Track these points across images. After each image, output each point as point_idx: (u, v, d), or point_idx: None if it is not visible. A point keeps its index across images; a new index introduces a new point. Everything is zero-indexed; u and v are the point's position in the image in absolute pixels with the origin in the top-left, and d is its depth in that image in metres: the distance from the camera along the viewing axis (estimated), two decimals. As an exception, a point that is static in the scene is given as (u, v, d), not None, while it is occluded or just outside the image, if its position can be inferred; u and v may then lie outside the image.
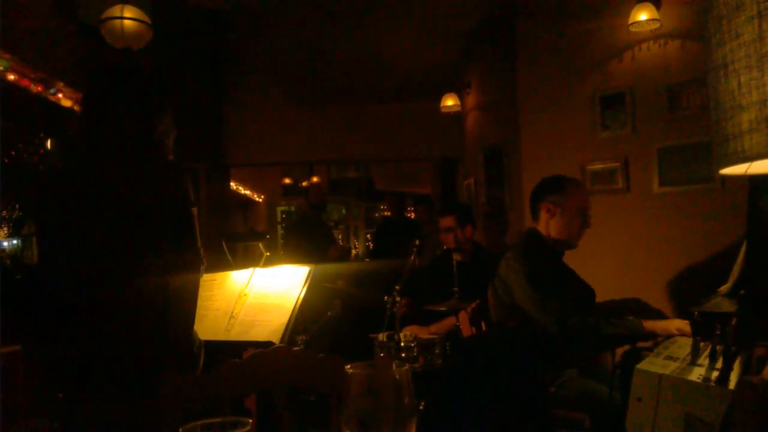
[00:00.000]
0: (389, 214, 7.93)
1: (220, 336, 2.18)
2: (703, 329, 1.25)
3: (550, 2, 3.99)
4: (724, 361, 1.07)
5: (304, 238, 4.91)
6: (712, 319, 1.25)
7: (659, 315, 2.54)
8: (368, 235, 15.35)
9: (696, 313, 1.26)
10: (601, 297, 2.62)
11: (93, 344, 1.58)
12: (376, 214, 15.20)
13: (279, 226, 13.05)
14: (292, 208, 12.78)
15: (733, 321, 1.12)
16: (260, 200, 11.77)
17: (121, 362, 1.56)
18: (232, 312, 2.27)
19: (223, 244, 2.39)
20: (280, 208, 13.14)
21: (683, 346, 1.30)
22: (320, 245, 4.85)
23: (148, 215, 1.62)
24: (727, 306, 1.47)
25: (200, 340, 1.83)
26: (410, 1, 4.57)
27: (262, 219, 11.56)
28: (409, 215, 7.16)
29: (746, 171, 1.11)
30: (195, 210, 1.70)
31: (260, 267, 2.37)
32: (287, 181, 11.58)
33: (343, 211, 14.87)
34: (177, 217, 1.65)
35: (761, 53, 0.96)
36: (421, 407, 2.89)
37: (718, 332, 1.14)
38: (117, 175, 1.63)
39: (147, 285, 1.60)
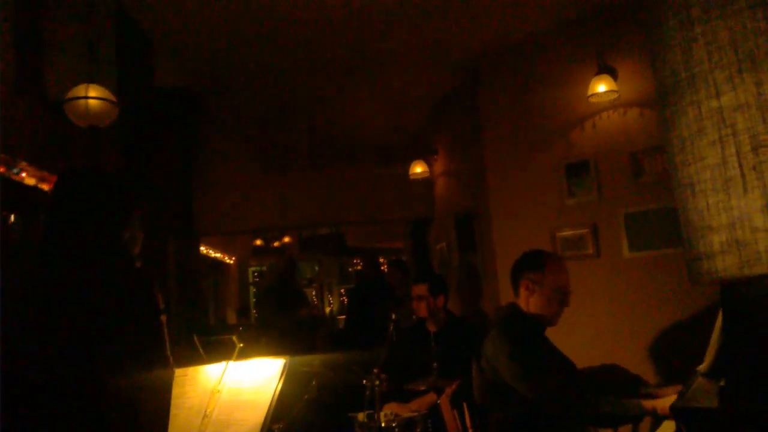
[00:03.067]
0: (361, 268, 7.85)
1: (193, 437, 2.09)
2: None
3: (511, 74, 4.12)
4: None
5: (275, 308, 4.84)
6: (698, 422, 1.24)
7: (638, 381, 2.54)
8: (342, 290, 15.23)
9: (681, 425, 1.24)
10: (576, 363, 2.60)
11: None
12: (350, 269, 15.11)
13: (251, 287, 12.87)
14: (264, 268, 12.65)
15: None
16: (231, 262, 11.63)
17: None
18: (205, 410, 2.17)
19: (195, 339, 2.32)
20: (251, 269, 13.00)
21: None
22: (292, 312, 4.79)
23: (115, 324, 1.56)
24: (709, 394, 1.46)
25: (173, 452, 1.75)
26: (377, 69, 4.67)
27: (233, 283, 11.37)
28: (383, 269, 7.10)
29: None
30: (164, 318, 1.65)
31: (233, 360, 2.29)
32: (258, 242, 11.48)
33: (316, 268, 14.74)
34: (145, 327, 1.59)
35: (726, 177, 0.99)
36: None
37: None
38: (82, 285, 1.58)
39: (117, 396, 1.53)
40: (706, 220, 1.02)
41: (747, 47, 0.95)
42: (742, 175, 0.96)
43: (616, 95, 3.50)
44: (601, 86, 3.48)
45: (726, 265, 0.98)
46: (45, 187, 4.03)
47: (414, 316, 3.80)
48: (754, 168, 0.94)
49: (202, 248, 7.82)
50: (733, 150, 0.97)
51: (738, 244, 0.96)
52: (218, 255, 10.58)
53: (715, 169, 0.99)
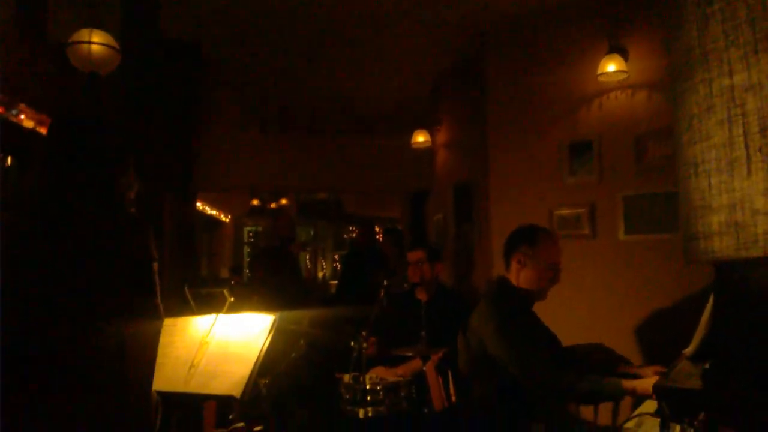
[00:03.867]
0: (357, 236, 7.85)
1: (179, 387, 2.10)
2: (671, 413, 1.25)
3: (520, 50, 4.06)
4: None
5: (269, 272, 4.84)
6: (679, 403, 1.25)
7: (623, 361, 2.57)
8: (336, 256, 15.29)
9: (663, 403, 1.26)
10: (566, 342, 2.63)
11: (44, 404, 1.50)
12: (345, 236, 15.15)
13: (245, 246, 12.90)
14: (260, 228, 12.67)
15: (701, 416, 1.11)
16: (227, 220, 11.63)
17: (76, 424, 1.49)
18: (193, 361, 2.19)
19: (186, 290, 2.32)
20: (247, 228, 13.02)
21: (650, 431, 1.30)
22: (286, 281, 4.79)
23: (107, 271, 1.56)
24: (693, 376, 1.47)
25: (157, 398, 1.76)
26: (382, 38, 4.60)
27: (228, 242, 11.40)
28: (378, 237, 7.11)
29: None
30: (156, 265, 1.64)
31: (224, 313, 2.30)
32: (255, 202, 11.47)
33: (311, 232, 14.78)
34: (137, 273, 1.59)
35: (731, 158, 0.98)
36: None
37: (685, 423, 1.14)
38: (76, 230, 1.57)
39: (104, 342, 1.53)
40: (707, 200, 1.01)
41: (765, 26, 0.93)
42: (748, 157, 0.95)
43: (625, 76, 3.46)
44: (611, 66, 3.43)
45: (723, 246, 0.98)
46: (43, 131, 4.00)
47: (405, 285, 3.82)
48: (760, 149, 0.93)
49: (199, 204, 7.82)
50: (740, 130, 0.96)
51: (737, 226, 0.96)
52: (214, 212, 10.58)
53: (721, 149, 0.98)
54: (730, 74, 0.98)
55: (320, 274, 14.70)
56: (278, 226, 5.28)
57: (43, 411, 1.45)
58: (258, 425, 2.26)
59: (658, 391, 1.40)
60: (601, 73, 3.45)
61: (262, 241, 11.98)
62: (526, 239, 2.50)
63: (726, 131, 0.98)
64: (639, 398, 2.15)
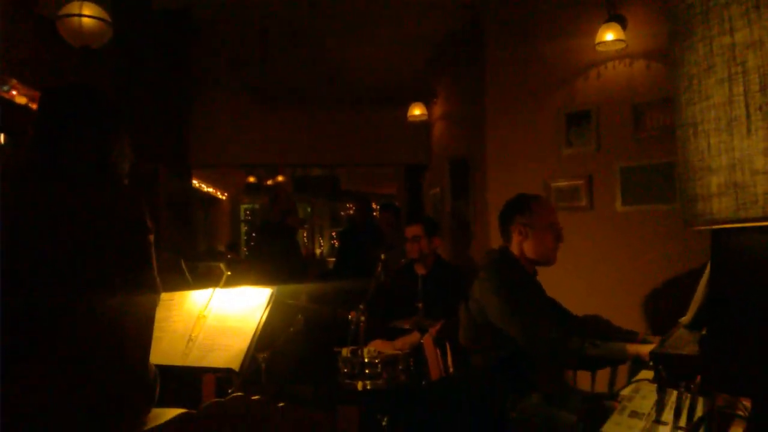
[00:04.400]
0: (353, 212, 7.81)
1: (177, 360, 2.11)
2: (668, 378, 1.25)
3: (517, 20, 4.01)
4: (688, 422, 1.07)
5: (269, 245, 4.84)
6: (676, 367, 1.25)
7: (620, 333, 2.57)
8: (333, 233, 15.30)
9: (660, 367, 1.25)
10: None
11: (42, 377, 1.50)
12: (342, 213, 15.16)
13: (242, 224, 12.89)
14: (256, 206, 12.64)
15: (698, 379, 1.11)
16: (223, 198, 11.61)
17: (73, 394, 1.49)
18: (190, 335, 2.20)
19: (182, 264, 2.32)
20: (243, 206, 13.00)
21: (648, 396, 1.30)
22: (287, 254, 4.79)
23: (102, 243, 1.55)
24: (689, 343, 1.47)
25: (156, 371, 1.77)
26: (377, 9, 4.53)
27: (224, 219, 11.39)
28: (374, 214, 7.12)
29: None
30: (151, 237, 1.63)
31: (221, 287, 2.30)
32: (251, 179, 11.44)
33: (308, 209, 14.77)
34: (133, 244, 1.58)
35: (731, 117, 0.96)
36: (384, 423, 2.89)
37: (682, 387, 1.14)
38: (69, 201, 1.55)
39: (101, 314, 1.53)
40: (706, 161, 0.99)
41: (768, -20, 0.91)
42: (748, 116, 0.93)
43: (623, 45, 3.42)
44: (609, 35, 3.39)
45: (722, 207, 0.96)
46: (36, 107, 3.96)
47: (402, 259, 3.82)
48: (760, 108, 0.91)
49: (195, 181, 7.79)
50: (741, 89, 0.94)
51: (736, 186, 0.94)
52: (210, 190, 10.55)
53: (720, 108, 0.96)
54: (731, 32, 0.96)
55: (318, 252, 14.73)
56: (278, 200, 5.25)
57: (41, 383, 1.45)
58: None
59: (655, 358, 1.40)
60: (599, 42, 3.41)
61: (260, 218, 11.95)
62: (519, 209, 2.50)
63: (726, 90, 0.96)
64: (640, 364, 2.16)
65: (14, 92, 4.32)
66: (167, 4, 4.52)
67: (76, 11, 3.53)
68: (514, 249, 2.50)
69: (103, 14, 3.59)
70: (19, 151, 3.96)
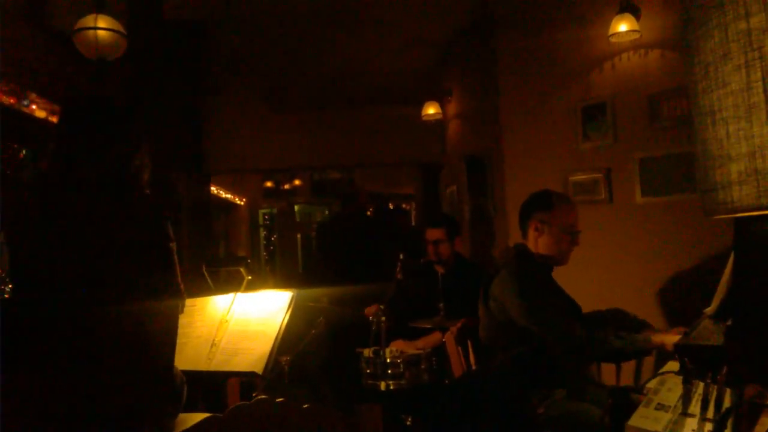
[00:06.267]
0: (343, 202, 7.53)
1: (202, 365, 2.14)
2: (694, 370, 1.24)
3: (529, 13, 3.99)
4: (716, 413, 1.06)
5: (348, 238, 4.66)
6: (702, 359, 1.24)
7: (643, 325, 2.55)
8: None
9: (686, 359, 1.24)
10: (585, 308, 2.62)
11: (69, 385, 1.52)
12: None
13: (261, 229, 12.94)
14: (274, 211, 12.69)
15: (725, 370, 1.10)
16: (242, 203, 11.69)
17: (100, 401, 1.51)
18: (214, 339, 2.22)
19: (204, 270, 2.34)
20: (262, 211, 13.05)
21: (674, 389, 1.29)
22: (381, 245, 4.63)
23: (126, 251, 1.57)
24: (715, 334, 1.46)
25: (182, 376, 1.79)
26: (387, 7, 4.53)
27: (243, 225, 11.47)
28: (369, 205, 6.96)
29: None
30: (174, 245, 1.65)
31: (242, 292, 2.32)
32: (269, 184, 11.50)
33: (326, 212, 14.80)
34: (155, 251, 1.60)
35: (749, 103, 0.94)
36: (408, 422, 2.89)
37: (708, 379, 1.13)
38: (92, 212, 1.58)
39: (126, 323, 1.55)
40: (725, 149, 0.98)
41: (781, -38, 0.90)
42: (767, 102, 0.92)
43: (637, 35, 3.38)
44: (623, 26, 3.35)
45: (742, 195, 0.95)
46: (55, 120, 4.01)
47: (422, 259, 3.79)
48: (779, 93, 0.90)
49: (213, 188, 7.86)
50: (758, 75, 0.92)
51: (757, 174, 0.93)
52: (228, 196, 10.62)
53: (738, 95, 0.95)
54: (747, 17, 0.95)
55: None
56: (361, 197, 5.09)
57: (68, 389, 1.48)
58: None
59: (680, 349, 1.39)
60: (613, 34, 3.38)
61: (278, 224, 11.98)
62: (541, 205, 2.48)
63: (743, 77, 0.95)
64: (665, 354, 2.14)
65: (34, 106, 4.40)
66: (180, 15, 4.57)
67: (91, 24, 3.57)
68: (531, 245, 2.48)
69: (118, 26, 3.63)
70: (41, 164, 4.03)
